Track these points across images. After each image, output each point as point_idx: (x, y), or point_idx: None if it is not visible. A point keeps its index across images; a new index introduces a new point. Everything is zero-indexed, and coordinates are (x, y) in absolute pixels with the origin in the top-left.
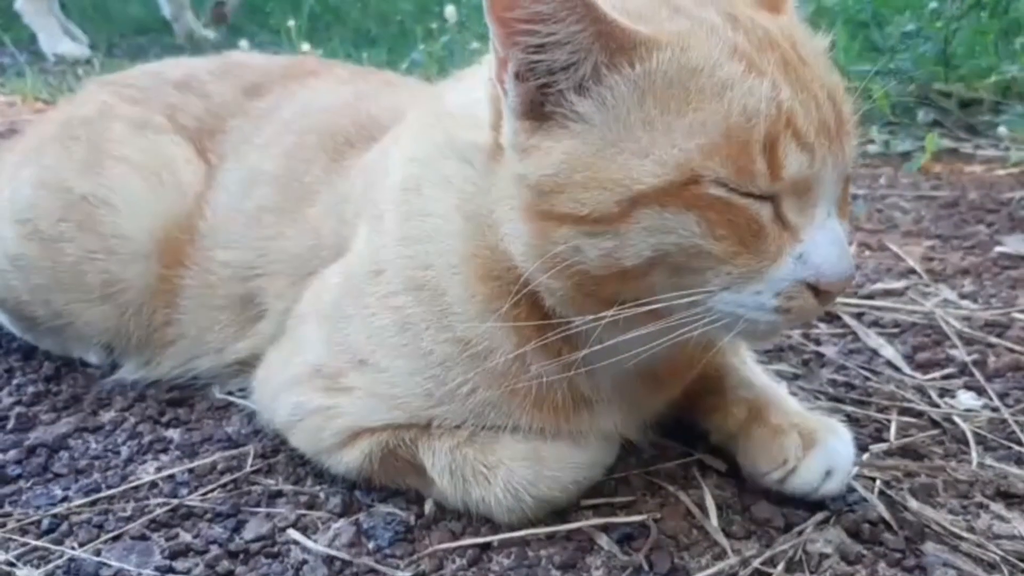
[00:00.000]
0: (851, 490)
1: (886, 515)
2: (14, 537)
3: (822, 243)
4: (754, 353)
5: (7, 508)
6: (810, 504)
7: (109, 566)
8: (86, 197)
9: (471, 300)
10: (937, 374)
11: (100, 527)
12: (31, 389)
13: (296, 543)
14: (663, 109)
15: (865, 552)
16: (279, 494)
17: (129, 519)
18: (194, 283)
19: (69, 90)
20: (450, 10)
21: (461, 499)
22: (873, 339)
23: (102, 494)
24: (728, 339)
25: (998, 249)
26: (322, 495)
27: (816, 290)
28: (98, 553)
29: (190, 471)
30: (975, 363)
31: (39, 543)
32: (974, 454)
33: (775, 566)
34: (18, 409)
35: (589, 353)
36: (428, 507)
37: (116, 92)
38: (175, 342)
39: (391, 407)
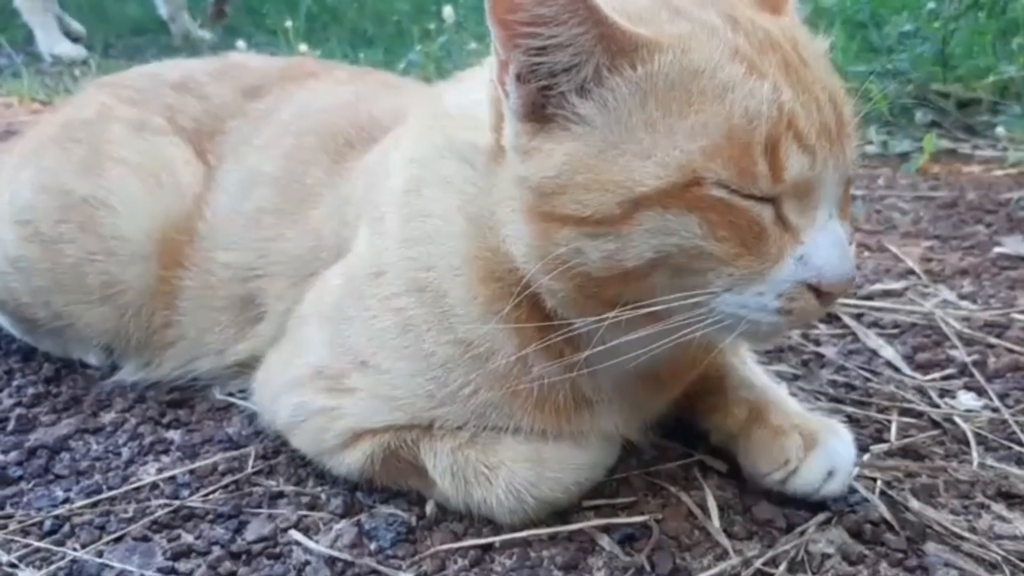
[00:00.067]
0: (852, 491)
1: (887, 515)
2: (16, 538)
3: (823, 245)
4: (754, 354)
5: (9, 509)
6: (811, 505)
7: (111, 567)
8: (86, 199)
9: (473, 302)
10: (937, 375)
11: (102, 528)
12: (31, 391)
13: (298, 544)
14: (665, 111)
15: (867, 552)
16: (280, 495)
17: (131, 520)
18: (194, 284)
19: (66, 91)
20: (447, 11)
21: (463, 500)
22: (873, 340)
23: (103, 495)
24: (730, 340)
25: (997, 250)
26: (324, 496)
27: (818, 291)
28: (100, 554)
29: (191, 472)
30: (975, 363)
31: (41, 544)
32: (975, 454)
33: (777, 566)
34: (18, 411)
35: (591, 354)
36: (430, 508)
37: (115, 94)
38: (175, 343)
39: (393, 408)
